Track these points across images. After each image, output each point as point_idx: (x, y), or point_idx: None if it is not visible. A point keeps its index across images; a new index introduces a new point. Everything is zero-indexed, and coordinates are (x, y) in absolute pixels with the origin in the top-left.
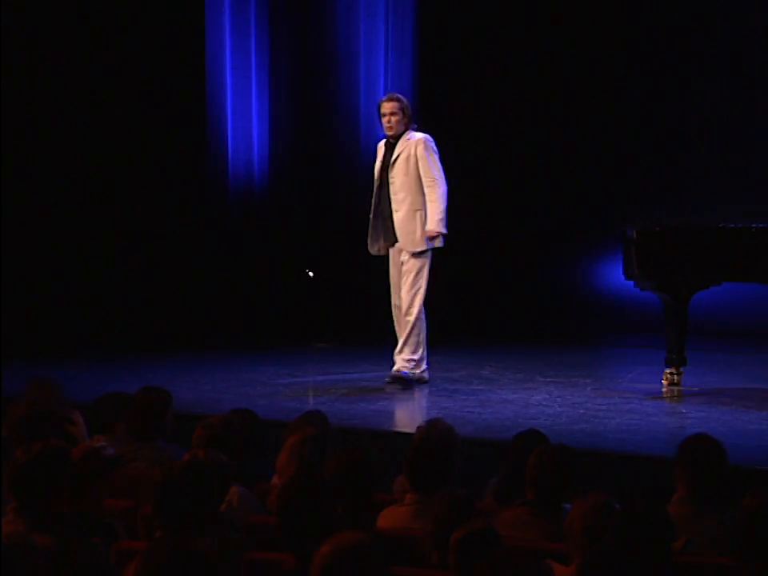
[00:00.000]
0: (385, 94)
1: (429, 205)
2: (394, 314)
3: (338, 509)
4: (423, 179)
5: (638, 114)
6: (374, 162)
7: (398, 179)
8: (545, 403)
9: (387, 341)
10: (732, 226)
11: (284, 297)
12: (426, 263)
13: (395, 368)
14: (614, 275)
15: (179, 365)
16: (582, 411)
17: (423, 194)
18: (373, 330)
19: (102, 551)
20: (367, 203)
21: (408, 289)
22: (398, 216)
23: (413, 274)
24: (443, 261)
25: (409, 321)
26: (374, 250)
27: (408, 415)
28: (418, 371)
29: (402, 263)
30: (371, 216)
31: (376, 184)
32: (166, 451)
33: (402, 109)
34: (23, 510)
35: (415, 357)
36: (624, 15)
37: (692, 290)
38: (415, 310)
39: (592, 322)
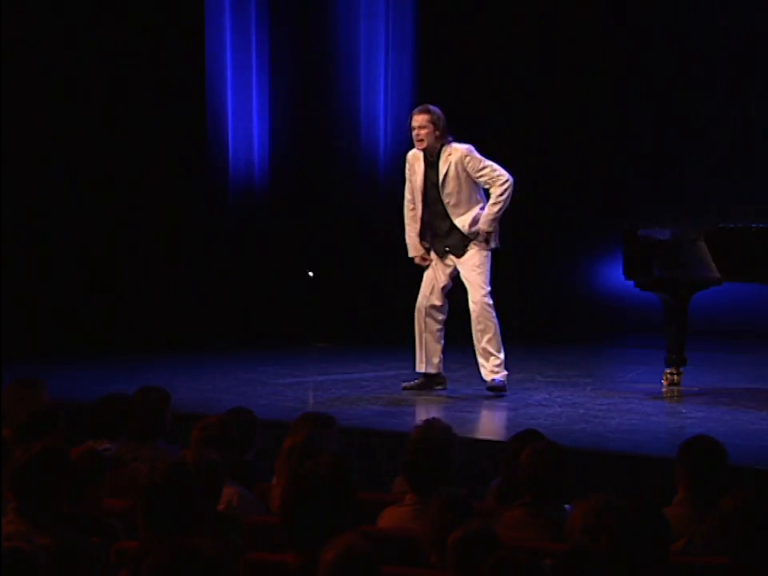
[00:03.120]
0: (414, 106)
1: (490, 203)
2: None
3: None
4: (485, 184)
5: (639, 114)
6: (405, 171)
7: (453, 198)
8: (545, 403)
9: (386, 341)
10: (732, 226)
11: (284, 297)
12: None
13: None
14: (614, 275)
15: (179, 365)
16: (582, 411)
17: (481, 201)
18: (373, 330)
19: (101, 551)
20: (367, 203)
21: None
22: (466, 230)
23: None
24: None
25: None
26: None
27: (410, 415)
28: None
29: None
30: (426, 231)
31: (419, 199)
32: (165, 451)
33: (433, 122)
34: (23, 510)
35: None
36: (625, 16)
37: (692, 289)
38: None
39: (592, 322)
